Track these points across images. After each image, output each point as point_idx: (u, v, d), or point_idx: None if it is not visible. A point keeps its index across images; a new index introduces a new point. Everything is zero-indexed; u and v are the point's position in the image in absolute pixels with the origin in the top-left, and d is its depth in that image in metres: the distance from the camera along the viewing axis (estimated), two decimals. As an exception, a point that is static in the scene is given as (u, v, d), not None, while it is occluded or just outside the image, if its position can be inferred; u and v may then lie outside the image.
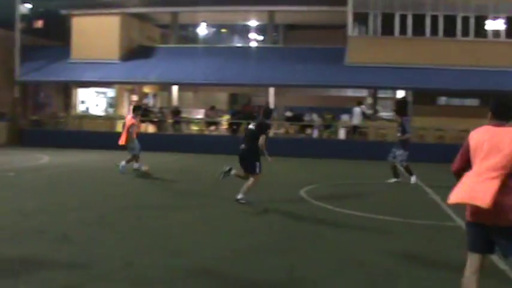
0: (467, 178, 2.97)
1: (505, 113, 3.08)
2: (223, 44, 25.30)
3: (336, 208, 7.51)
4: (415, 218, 6.95)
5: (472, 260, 3.01)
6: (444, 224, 6.56)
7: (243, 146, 7.38)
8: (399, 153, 9.90)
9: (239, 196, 7.25)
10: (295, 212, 7.35)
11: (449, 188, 3.27)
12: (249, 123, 7.70)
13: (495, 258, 4.52)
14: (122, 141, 10.32)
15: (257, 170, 7.23)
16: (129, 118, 10.52)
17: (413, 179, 10.11)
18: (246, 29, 22.41)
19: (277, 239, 5.70)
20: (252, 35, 22.74)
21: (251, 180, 7.26)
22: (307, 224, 6.67)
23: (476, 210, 2.88)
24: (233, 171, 7.55)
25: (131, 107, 11.38)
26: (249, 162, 7.23)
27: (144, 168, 10.46)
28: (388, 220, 6.82)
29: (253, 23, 22.96)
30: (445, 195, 6.67)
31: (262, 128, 7.29)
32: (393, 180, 10.16)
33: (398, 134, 9.93)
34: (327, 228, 6.34)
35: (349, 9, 18.71)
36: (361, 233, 6.12)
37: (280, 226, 6.40)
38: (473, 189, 2.86)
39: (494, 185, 2.80)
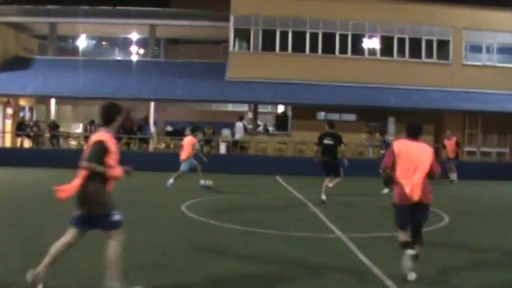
0: (405, 181, 5.43)
1: (417, 133, 5.70)
2: (103, 57, 28.17)
3: (216, 222, 8.67)
4: (295, 230, 8.18)
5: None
6: (323, 235, 7.83)
7: (326, 158, 11.22)
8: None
9: (323, 197, 11.01)
10: (174, 227, 8.34)
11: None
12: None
13: (368, 262, 6.04)
14: (183, 156, 13.50)
15: (341, 172, 11.43)
16: (190, 138, 13.77)
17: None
18: (127, 42, 26.02)
19: (154, 256, 6.22)
20: (133, 49, 26.37)
21: (337, 179, 11.42)
22: (188, 239, 7.39)
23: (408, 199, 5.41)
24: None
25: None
26: (337, 169, 11.27)
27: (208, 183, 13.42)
28: (268, 233, 7.94)
29: (134, 36, 26.18)
30: (325, 208, 9.87)
31: (339, 140, 11.30)
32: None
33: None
34: (205, 242, 7.21)
35: (231, 25, 22.65)
36: (238, 246, 6.97)
37: (157, 242, 7.07)
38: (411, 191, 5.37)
39: (421, 184, 5.39)
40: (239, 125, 21.30)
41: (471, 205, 12.66)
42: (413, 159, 5.50)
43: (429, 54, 23.47)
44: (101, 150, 4.55)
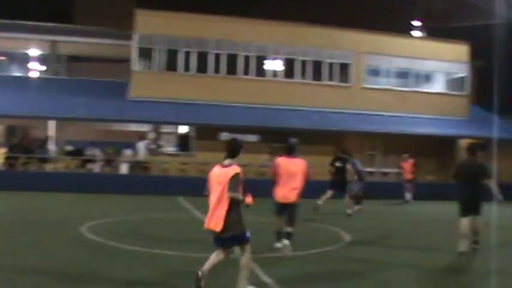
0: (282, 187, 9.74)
1: (291, 150, 9.86)
2: (0, 73, 32.33)
3: (116, 244, 9.96)
4: (196, 252, 9.41)
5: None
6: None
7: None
8: None
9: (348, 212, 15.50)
10: (73, 249, 9.58)
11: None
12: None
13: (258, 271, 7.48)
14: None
15: None
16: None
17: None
18: (26, 58, 29.56)
19: (52, 280, 7.24)
20: (33, 65, 29.90)
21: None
22: (85, 262, 8.48)
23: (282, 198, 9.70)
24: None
25: None
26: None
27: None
28: (170, 254, 9.38)
29: (34, 52, 29.60)
30: None
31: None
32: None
33: None
34: (101, 264, 8.43)
35: (134, 44, 26.38)
36: (137, 267, 8.22)
37: (58, 266, 8.13)
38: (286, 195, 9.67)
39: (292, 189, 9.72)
40: (141, 145, 25.54)
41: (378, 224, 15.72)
42: (289, 171, 9.91)
43: (331, 77, 28.25)
44: (239, 181, 6.74)
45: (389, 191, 25.19)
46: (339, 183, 17.48)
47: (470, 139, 28.19)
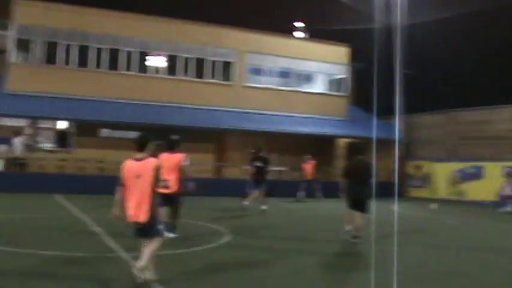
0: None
1: (173, 146, 11.59)
2: None
3: None
4: (75, 251, 9.83)
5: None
6: (104, 255, 9.61)
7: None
8: None
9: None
10: None
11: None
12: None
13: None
14: None
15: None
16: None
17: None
18: None
19: None
20: None
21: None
22: None
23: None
24: None
25: None
26: None
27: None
28: (49, 255, 9.49)
29: None
30: (108, 227, 13.19)
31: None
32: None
33: None
34: None
35: (12, 35, 27.22)
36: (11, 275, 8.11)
37: None
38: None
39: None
40: (16, 140, 26.40)
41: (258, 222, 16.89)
42: (165, 166, 10.26)
43: (213, 75, 30.54)
44: (160, 171, 7.78)
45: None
46: (260, 182, 19.64)
47: (349, 138, 32.02)
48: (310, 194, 26.70)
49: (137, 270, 7.58)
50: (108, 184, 14.14)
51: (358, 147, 13.28)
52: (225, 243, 11.99)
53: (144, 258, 7.62)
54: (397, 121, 33.29)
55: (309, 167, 26.82)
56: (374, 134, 31.76)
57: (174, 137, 12.11)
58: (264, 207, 19.49)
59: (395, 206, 21.21)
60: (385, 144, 32.27)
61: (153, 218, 7.65)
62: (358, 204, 12.23)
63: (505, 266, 10.56)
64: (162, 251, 9.56)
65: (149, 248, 7.67)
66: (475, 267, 10.36)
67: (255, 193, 19.70)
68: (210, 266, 9.44)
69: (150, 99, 28.93)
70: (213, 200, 23.72)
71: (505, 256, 11.86)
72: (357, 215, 12.37)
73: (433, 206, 19.46)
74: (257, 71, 32.08)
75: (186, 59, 30.26)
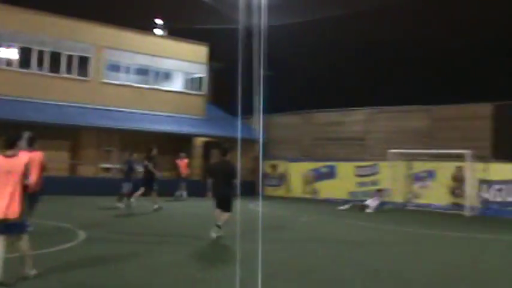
0: None
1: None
2: None
3: None
4: None
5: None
6: None
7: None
8: None
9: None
10: None
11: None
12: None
13: None
14: None
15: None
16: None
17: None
18: None
19: None
20: None
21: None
22: None
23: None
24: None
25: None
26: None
27: None
28: None
29: None
30: None
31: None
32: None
33: None
34: None
35: None
36: None
37: None
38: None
39: None
40: None
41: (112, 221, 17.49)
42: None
43: (69, 70, 31.03)
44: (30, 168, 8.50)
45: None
46: (150, 181, 21.51)
47: (207, 138, 33.91)
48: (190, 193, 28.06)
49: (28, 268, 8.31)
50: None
51: (224, 149, 14.61)
52: (81, 242, 12.44)
53: (27, 259, 8.48)
54: (261, 121, 35.42)
55: (183, 164, 28.04)
56: (239, 134, 33.80)
57: (29, 134, 12.53)
58: (156, 206, 21.22)
59: (260, 204, 23.09)
60: (244, 144, 34.54)
61: (22, 214, 8.15)
62: (223, 203, 13.63)
63: (356, 259, 12.20)
64: (14, 254, 10.10)
65: (24, 246, 8.37)
66: (327, 261, 11.86)
67: (140, 191, 21.45)
68: (64, 265, 9.69)
69: (1, 93, 28.86)
70: (68, 199, 24.39)
71: (355, 249, 13.69)
72: (224, 214, 13.87)
73: (303, 219, 21.44)
74: (115, 68, 33.01)
75: (41, 52, 30.48)
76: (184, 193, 27.88)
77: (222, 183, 13.53)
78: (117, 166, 30.73)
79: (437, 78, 42.70)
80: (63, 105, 30.50)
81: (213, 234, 13.47)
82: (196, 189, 26.21)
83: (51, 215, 17.09)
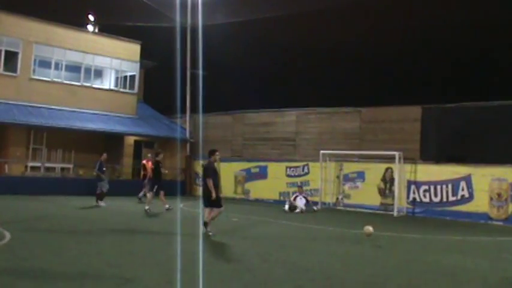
0: None
1: None
2: None
3: None
4: None
5: None
6: None
7: None
8: None
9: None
10: None
11: None
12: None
13: None
14: None
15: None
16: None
17: None
18: None
19: None
20: None
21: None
22: None
23: None
24: None
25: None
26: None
27: None
28: None
29: None
30: None
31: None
32: None
33: None
34: None
35: None
36: None
37: None
38: None
39: None
40: None
41: (36, 221, 16.96)
42: None
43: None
44: None
45: (54, 187, 28.70)
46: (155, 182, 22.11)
47: (137, 136, 33.42)
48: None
49: None
50: None
51: (209, 151, 15.55)
52: (5, 245, 12.14)
53: None
54: (187, 120, 35.35)
55: (149, 164, 26.14)
56: (178, 134, 33.57)
57: None
58: (167, 206, 22.17)
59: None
60: (175, 144, 34.30)
61: None
62: (205, 199, 15.18)
63: (284, 257, 12.13)
64: None
65: None
66: (258, 260, 11.79)
67: (151, 194, 21.87)
68: None
69: None
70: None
71: (283, 247, 13.75)
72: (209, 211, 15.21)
73: (235, 219, 21.25)
74: (45, 64, 32.08)
75: (-36, 46, 29.28)
76: (143, 192, 26.24)
77: (203, 183, 15.11)
78: (46, 165, 30.04)
79: (367, 80, 43.44)
80: (-11, 101, 29.30)
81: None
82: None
83: None
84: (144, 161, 27.14)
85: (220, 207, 15.03)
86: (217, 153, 15.43)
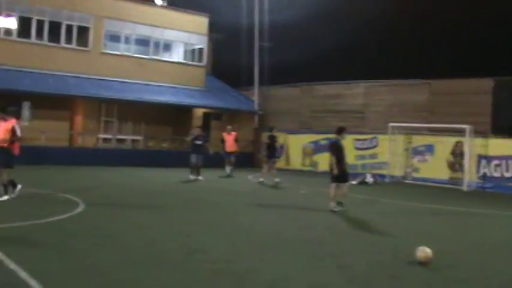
0: None
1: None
2: None
3: None
4: None
5: None
6: None
7: None
8: None
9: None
10: None
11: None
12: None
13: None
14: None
15: None
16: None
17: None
18: None
19: None
20: None
21: None
22: None
23: None
24: None
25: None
26: None
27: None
28: None
29: None
30: None
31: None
32: None
33: None
34: None
35: None
36: None
37: None
38: None
39: None
40: None
41: (108, 191, 17.04)
42: None
43: (69, 40, 30.34)
44: None
45: (125, 158, 29.09)
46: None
47: (206, 109, 33.37)
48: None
49: None
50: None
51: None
52: (79, 213, 12.19)
53: None
54: (255, 92, 35.05)
55: (230, 138, 25.67)
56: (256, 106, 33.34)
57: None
58: (262, 179, 22.80)
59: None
60: (243, 116, 34.11)
61: None
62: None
63: (357, 232, 11.85)
64: (14, 223, 10.38)
65: None
66: (330, 233, 11.58)
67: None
68: (64, 236, 9.61)
69: (0, 63, 28.25)
70: (67, 170, 24.06)
71: (355, 222, 13.38)
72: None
73: (303, 191, 20.99)
74: (115, 38, 32.39)
75: (40, 21, 29.83)
76: (230, 168, 25.50)
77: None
78: (117, 137, 30.40)
79: (438, 51, 41.93)
80: (63, 75, 30.02)
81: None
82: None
83: (51, 184, 17.41)
84: (224, 134, 26.24)
85: (346, 182, 14.95)
86: (345, 131, 15.55)
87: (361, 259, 8.97)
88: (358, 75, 32.92)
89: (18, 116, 26.38)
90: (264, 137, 25.17)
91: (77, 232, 9.97)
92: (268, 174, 22.64)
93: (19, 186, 13.90)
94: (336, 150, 14.91)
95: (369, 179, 24.98)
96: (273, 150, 22.90)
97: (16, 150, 13.50)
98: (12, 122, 13.56)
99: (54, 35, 30.33)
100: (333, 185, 14.85)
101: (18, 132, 13.55)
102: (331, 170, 14.84)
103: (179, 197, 16.55)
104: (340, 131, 15.28)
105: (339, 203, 14.74)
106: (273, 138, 22.86)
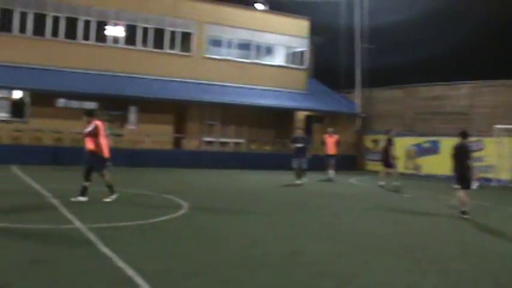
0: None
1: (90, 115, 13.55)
2: None
3: None
4: (33, 223, 10.02)
5: None
6: (62, 227, 9.80)
7: None
8: None
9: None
10: None
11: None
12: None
13: (109, 252, 7.79)
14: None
15: None
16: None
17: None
18: None
19: None
20: None
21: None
22: None
23: None
24: None
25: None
26: None
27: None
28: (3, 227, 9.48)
29: None
30: (63, 198, 13.67)
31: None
32: None
33: None
34: None
35: None
36: None
37: None
38: None
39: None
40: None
41: (211, 193, 17.16)
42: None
43: (172, 46, 31.09)
44: None
45: (228, 161, 29.40)
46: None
47: (308, 112, 33.18)
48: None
49: None
50: (65, 155, 14.87)
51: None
52: (183, 214, 12.24)
53: None
54: (357, 94, 34.44)
55: (331, 141, 24.91)
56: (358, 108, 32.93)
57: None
58: (382, 182, 22.01)
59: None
60: (345, 118, 33.67)
61: None
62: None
63: (459, 238, 11.42)
64: (120, 223, 10.58)
65: None
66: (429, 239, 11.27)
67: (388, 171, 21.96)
68: (169, 236, 9.80)
69: (108, 70, 29.47)
70: (171, 172, 24.47)
71: (458, 227, 12.95)
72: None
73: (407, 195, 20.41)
74: (217, 43, 32.84)
75: (145, 29, 30.75)
76: (333, 172, 24.62)
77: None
78: (219, 140, 30.72)
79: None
80: (167, 80, 30.65)
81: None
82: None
83: (155, 186, 17.75)
84: (325, 136, 25.30)
85: (468, 188, 14.11)
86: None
87: (466, 265, 8.58)
88: (463, 76, 31.67)
89: (122, 119, 27.62)
90: (370, 139, 24.27)
91: (181, 233, 10.15)
92: (387, 176, 21.91)
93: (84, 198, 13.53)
94: (465, 153, 14.14)
95: (474, 183, 23.74)
96: (390, 154, 21.69)
97: (105, 152, 13.39)
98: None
99: (158, 42, 31.20)
100: (467, 191, 13.98)
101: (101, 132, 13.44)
102: (463, 174, 13.96)
103: (282, 200, 16.27)
104: (465, 135, 14.54)
105: (463, 211, 13.89)
106: (389, 142, 21.82)
